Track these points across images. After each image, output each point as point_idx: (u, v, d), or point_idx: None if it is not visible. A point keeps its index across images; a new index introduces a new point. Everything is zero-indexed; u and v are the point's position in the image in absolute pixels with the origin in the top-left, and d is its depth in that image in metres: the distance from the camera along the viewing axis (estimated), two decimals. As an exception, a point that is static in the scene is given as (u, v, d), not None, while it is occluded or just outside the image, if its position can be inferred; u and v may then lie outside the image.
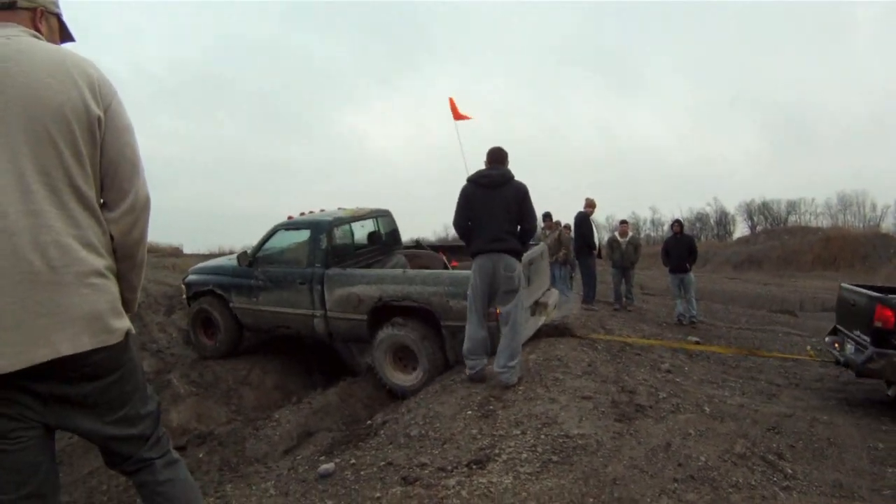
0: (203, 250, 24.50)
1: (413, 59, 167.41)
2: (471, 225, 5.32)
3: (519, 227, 5.30)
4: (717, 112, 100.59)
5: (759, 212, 64.32)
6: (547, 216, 11.95)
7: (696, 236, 44.52)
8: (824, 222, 58.26)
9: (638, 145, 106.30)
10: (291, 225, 7.74)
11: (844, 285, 6.61)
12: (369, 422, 5.20)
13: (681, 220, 12.37)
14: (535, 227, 5.46)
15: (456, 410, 4.64)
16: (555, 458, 3.69)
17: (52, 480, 1.86)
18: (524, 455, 3.72)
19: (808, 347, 6.00)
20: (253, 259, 7.69)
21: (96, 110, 1.78)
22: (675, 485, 3.57)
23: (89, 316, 1.76)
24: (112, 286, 1.87)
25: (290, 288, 7.29)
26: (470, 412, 4.55)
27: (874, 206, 59.57)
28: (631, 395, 5.01)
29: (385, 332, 6.48)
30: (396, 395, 6.33)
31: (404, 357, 6.53)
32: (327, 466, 3.86)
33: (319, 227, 7.28)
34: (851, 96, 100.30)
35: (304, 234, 7.50)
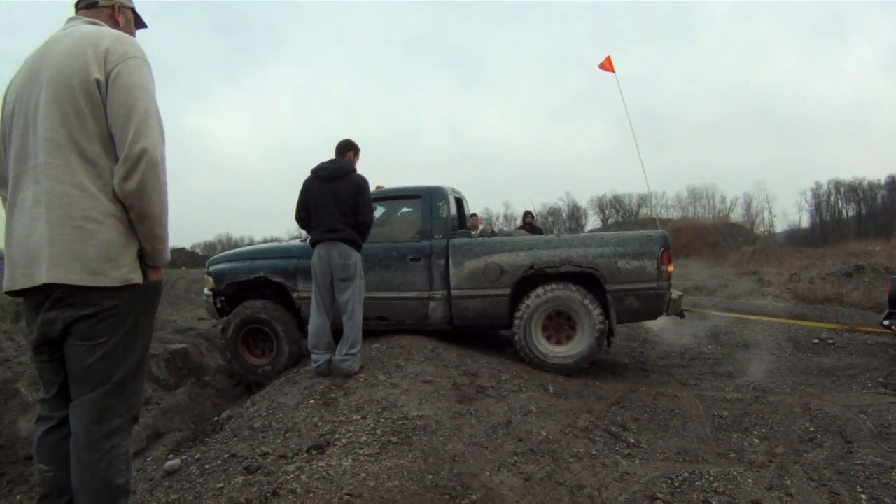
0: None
1: (258, 55, 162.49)
2: (309, 216, 5.58)
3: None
4: (569, 109, 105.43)
5: (611, 205, 68.84)
6: (473, 215, 12.08)
7: (548, 230, 46.67)
8: (675, 214, 63.31)
9: (490, 143, 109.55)
10: (388, 193, 7.21)
11: None
12: (216, 418, 5.35)
13: (532, 210, 12.87)
14: (368, 221, 5.59)
15: (299, 400, 4.80)
16: (394, 439, 3.89)
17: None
18: (364, 438, 3.92)
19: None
20: None
21: (96, 74, 2.23)
22: (515, 458, 3.80)
23: (69, 255, 2.18)
24: (106, 233, 2.23)
25: (396, 267, 6.67)
26: (312, 401, 4.74)
27: (723, 199, 65.93)
28: (473, 378, 5.23)
29: (544, 295, 6.31)
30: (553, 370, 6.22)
31: (551, 327, 6.44)
32: (173, 463, 4.00)
33: (438, 193, 6.89)
34: (700, 94, 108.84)
35: (406, 204, 7.11)
